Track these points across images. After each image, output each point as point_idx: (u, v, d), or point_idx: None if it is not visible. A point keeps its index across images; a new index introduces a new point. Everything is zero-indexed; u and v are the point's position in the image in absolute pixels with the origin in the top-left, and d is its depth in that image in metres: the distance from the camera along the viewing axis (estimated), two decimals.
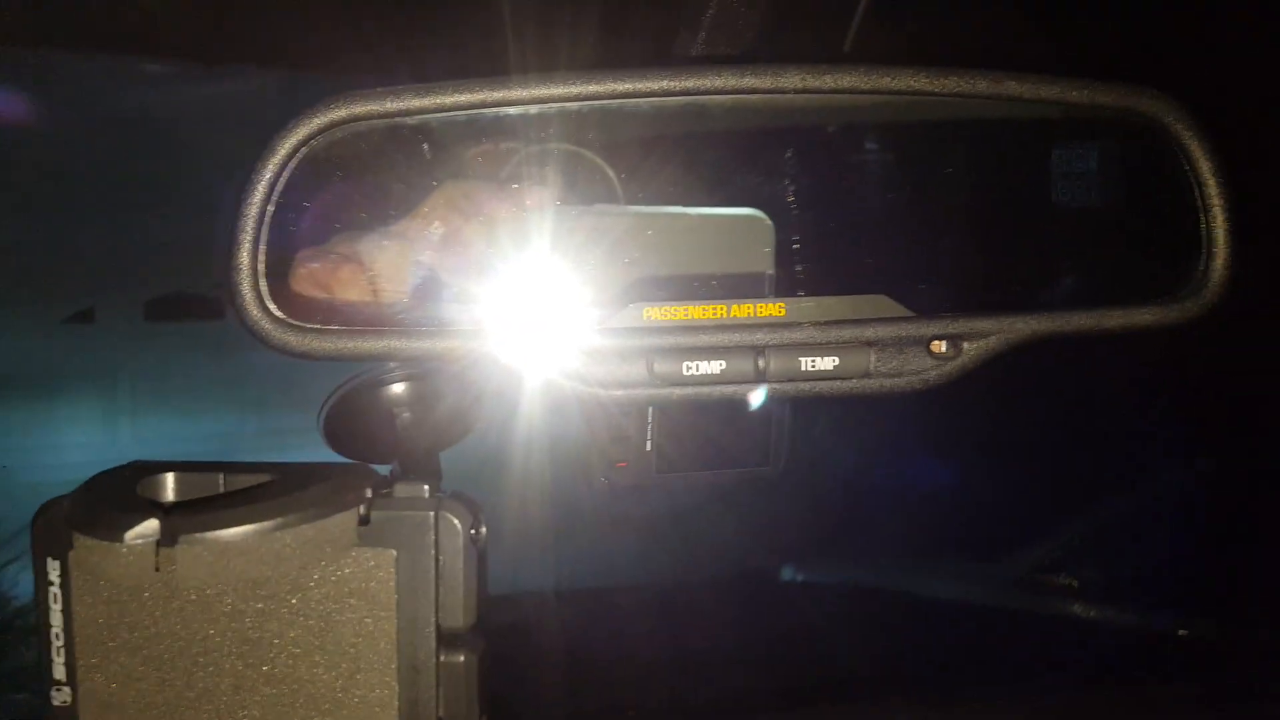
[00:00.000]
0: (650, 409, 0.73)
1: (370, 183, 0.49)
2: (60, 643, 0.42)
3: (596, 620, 1.75)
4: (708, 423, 0.77)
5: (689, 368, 0.50)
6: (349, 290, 0.48)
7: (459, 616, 0.43)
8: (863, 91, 0.50)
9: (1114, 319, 0.53)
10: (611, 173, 0.52)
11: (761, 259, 0.53)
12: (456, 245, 0.50)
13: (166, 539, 0.40)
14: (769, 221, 0.52)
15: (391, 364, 0.81)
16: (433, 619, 0.43)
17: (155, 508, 0.41)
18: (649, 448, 0.75)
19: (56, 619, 0.42)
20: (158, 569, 0.40)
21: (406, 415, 0.81)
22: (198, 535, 0.40)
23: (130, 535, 0.40)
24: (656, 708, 1.42)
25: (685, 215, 0.53)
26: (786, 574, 2.15)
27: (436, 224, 0.50)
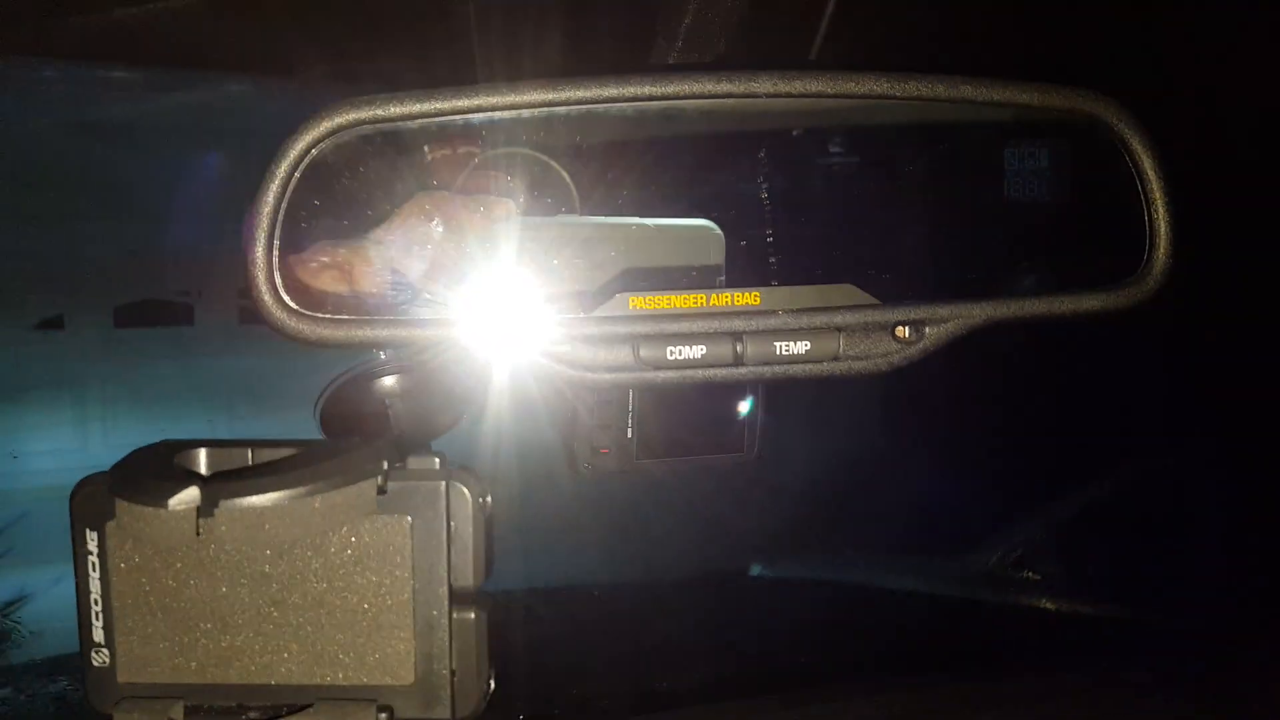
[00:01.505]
0: (631, 398, 0.77)
1: (372, 183, 0.52)
2: (98, 608, 0.45)
3: (564, 614, 1.78)
4: (686, 411, 0.81)
5: (672, 352, 0.54)
6: (356, 283, 0.51)
7: (469, 576, 0.47)
8: (829, 95, 0.54)
9: (1064, 305, 0.57)
10: (595, 177, 0.55)
11: (713, 267, 0.57)
12: (451, 242, 0.53)
13: (207, 505, 0.43)
14: (719, 231, 0.56)
15: (384, 357, 0.84)
16: (445, 579, 0.46)
17: (195, 477, 0.44)
18: (630, 435, 0.78)
19: (94, 586, 0.45)
20: (198, 533, 0.43)
21: (399, 405, 0.84)
22: (235, 501, 0.43)
23: (174, 502, 0.43)
24: (625, 698, 1.45)
25: (644, 225, 0.57)
26: (753, 570, 2.19)
27: (433, 222, 0.53)
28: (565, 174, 0.56)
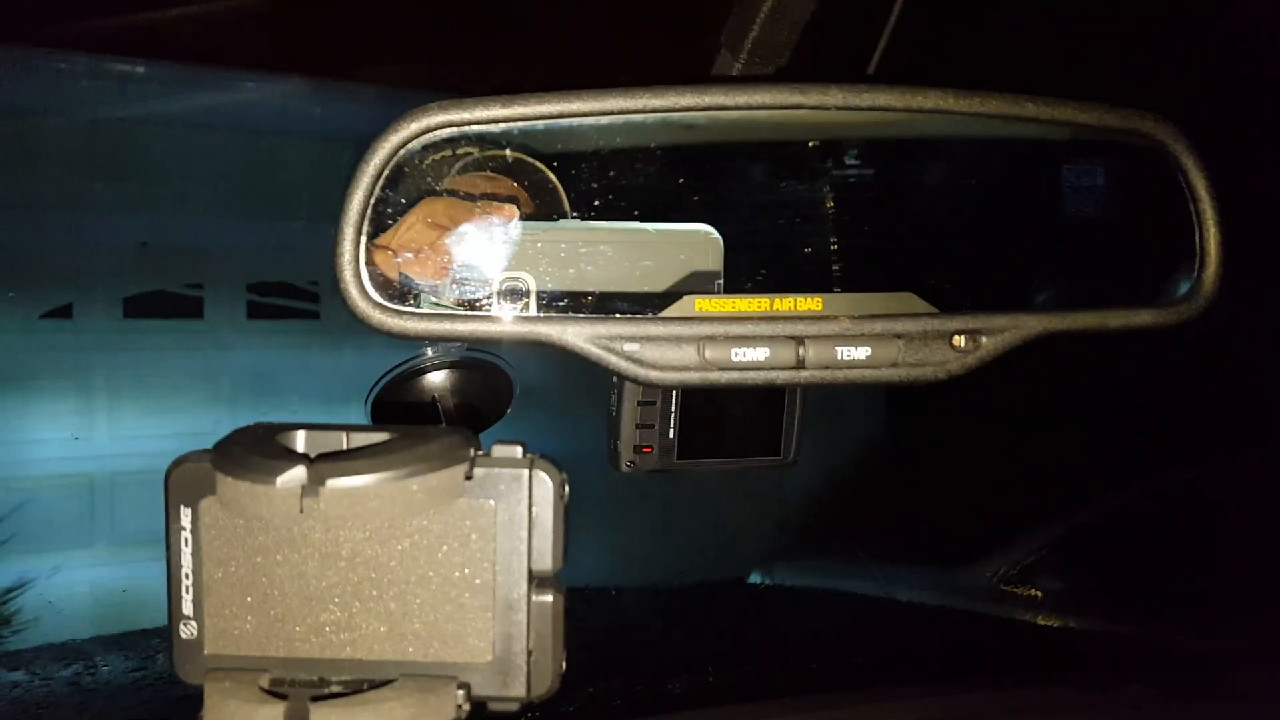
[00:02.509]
0: (675, 400, 0.78)
1: (456, 181, 0.53)
2: (188, 582, 0.47)
3: (574, 617, 1.79)
4: (727, 414, 0.83)
5: (737, 354, 0.55)
6: (438, 278, 0.53)
7: (548, 561, 0.48)
8: (896, 109, 0.56)
9: (1116, 319, 0.59)
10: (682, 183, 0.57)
11: (713, 268, 0.58)
12: (528, 243, 0.55)
13: (312, 484, 0.44)
14: (717, 235, 0.57)
15: (430, 353, 0.86)
16: (525, 563, 0.48)
17: (300, 457, 0.45)
18: (672, 436, 0.80)
19: (186, 560, 0.47)
20: (301, 510, 0.44)
21: (448, 400, 0.85)
22: (339, 481, 0.44)
23: (282, 480, 0.44)
24: (637, 698, 1.46)
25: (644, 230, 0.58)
26: (757, 578, 2.21)
27: (506, 221, 0.54)
28: (623, 180, 0.57)
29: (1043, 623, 2.05)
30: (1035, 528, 2.04)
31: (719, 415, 0.82)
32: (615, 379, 0.79)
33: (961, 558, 2.08)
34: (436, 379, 0.82)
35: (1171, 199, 0.59)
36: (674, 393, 0.79)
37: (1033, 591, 2.03)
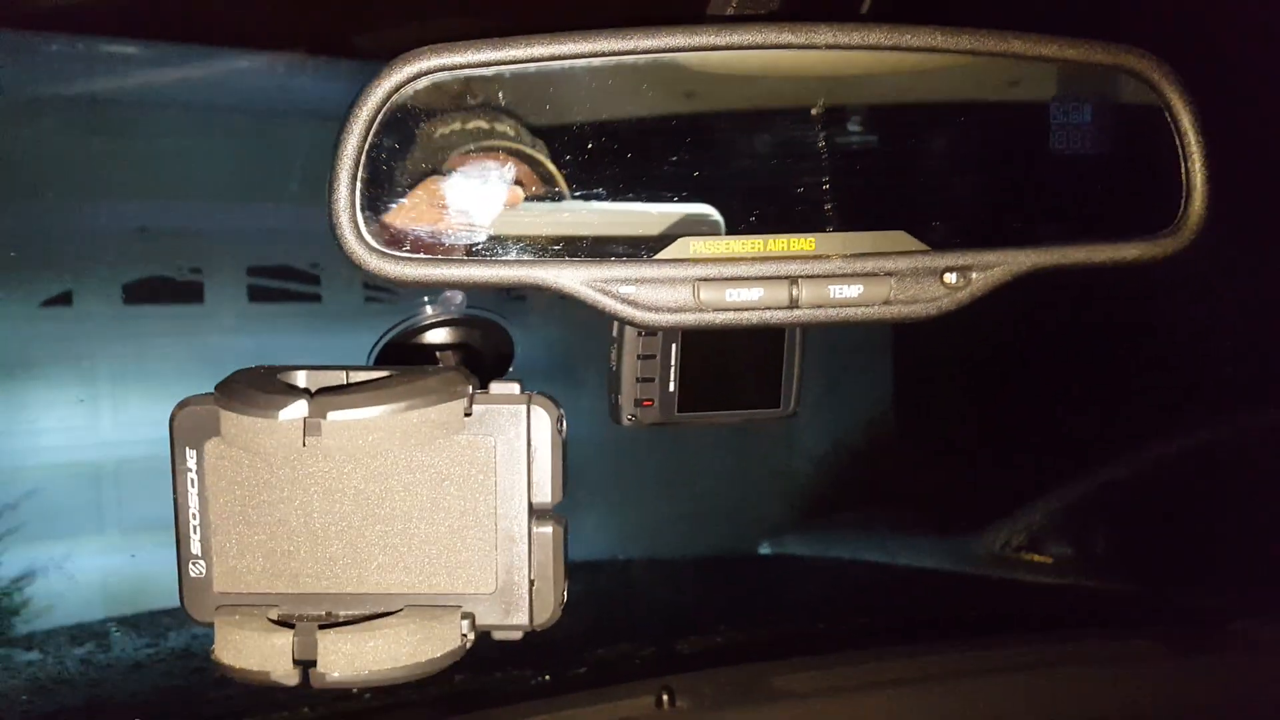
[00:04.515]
0: (675, 353, 0.79)
1: (451, 128, 0.54)
2: (196, 522, 0.48)
3: (584, 584, 1.81)
4: (727, 367, 0.84)
5: (731, 295, 0.56)
6: (433, 223, 0.53)
7: (548, 494, 0.50)
8: (885, 47, 0.56)
9: (1104, 253, 0.60)
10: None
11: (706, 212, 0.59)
12: (523, 186, 0.56)
13: (314, 416, 0.46)
14: (718, 216, 0.58)
15: (430, 311, 0.86)
16: (525, 496, 0.49)
17: (301, 392, 0.46)
18: (672, 389, 0.80)
19: (193, 501, 0.48)
20: (304, 444, 0.46)
21: (450, 357, 0.86)
22: (340, 413, 0.46)
23: (284, 413, 0.45)
24: (647, 660, 1.48)
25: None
26: (772, 549, 2.23)
27: (508, 166, 0.55)
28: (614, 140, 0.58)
29: (1051, 583, 2.07)
30: (1043, 495, 2.06)
31: (718, 368, 0.83)
32: (614, 333, 0.80)
33: (971, 526, 2.10)
34: (437, 336, 0.83)
35: (1157, 133, 0.59)
36: (673, 346, 0.80)
37: (1042, 557, 2.05)
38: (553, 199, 0.56)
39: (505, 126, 0.55)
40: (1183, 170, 0.60)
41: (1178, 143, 0.60)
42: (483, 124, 0.55)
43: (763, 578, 2.08)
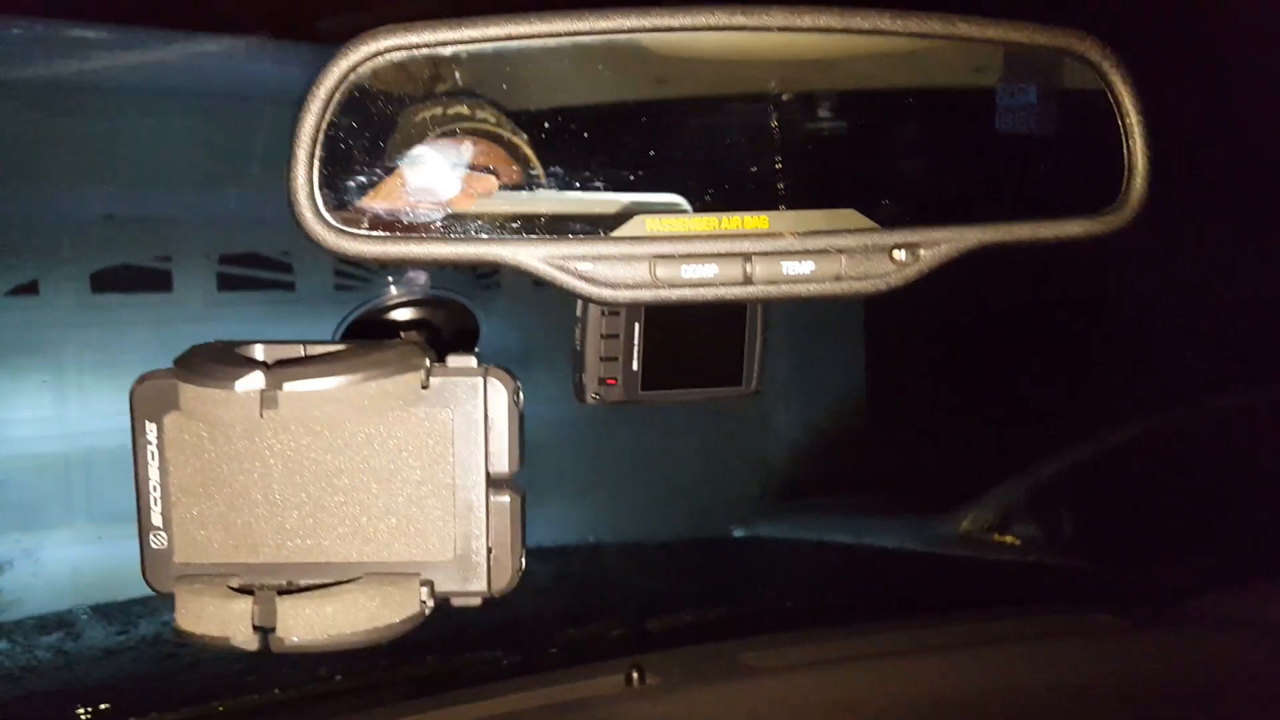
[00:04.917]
0: (638, 332, 0.80)
1: (410, 106, 0.55)
2: (156, 494, 0.49)
3: (555, 568, 1.83)
4: (690, 346, 0.85)
5: (687, 271, 0.58)
6: (392, 201, 0.54)
7: (505, 464, 0.51)
8: (836, 30, 0.58)
9: (1049, 230, 0.62)
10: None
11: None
12: (482, 165, 0.57)
13: (271, 387, 0.47)
14: (675, 194, 0.59)
15: (395, 292, 0.87)
16: (483, 466, 0.50)
17: (258, 364, 0.47)
18: (636, 368, 0.82)
19: (153, 473, 0.49)
20: (261, 415, 0.47)
21: (413, 334, 0.87)
22: (296, 384, 0.47)
23: (240, 384, 0.46)
24: (618, 640, 1.50)
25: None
26: (743, 532, 2.25)
27: (465, 145, 0.56)
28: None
29: (1016, 561, 2.11)
30: (1012, 478, 2.09)
31: (681, 347, 0.85)
32: (579, 312, 0.81)
33: (940, 508, 2.13)
34: (400, 317, 0.83)
35: (1100, 115, 0.61)
36: (636, 325, 0.81)
37: (1008, 538, 2.09)
38: (527, 182, 0.57)
39: (486, 113, 0.56)
40: (1125, 150, 0.62)
41: (1120, 124, 0.61)
42: (464, 109, 0.56)
43: (733, 559, 2.11)
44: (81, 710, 1.27)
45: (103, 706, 1.29)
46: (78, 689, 1.44)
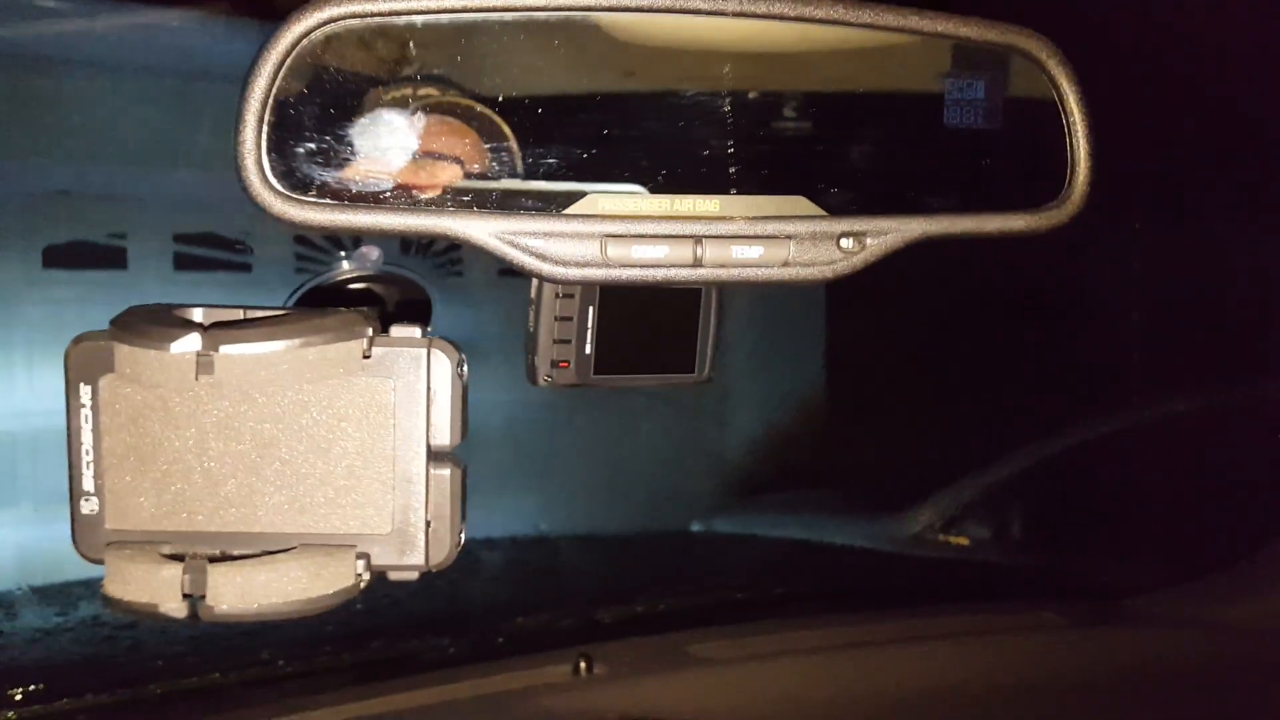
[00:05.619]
0: (592, 315, 0.81)
1: (362, 75, 0.55)
2: (89, 458, 0.48)
3: (506, 558, 1.83)
4: (643, 331, 0.85)
5: (637, 251, 0.58)
6: (341, 169, 0.54)
7: (446, 437, 0.51)
8: (790, 18, 0.58)
9: (992, 223, 0.63)
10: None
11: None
12: (433, 136, 0.56)
13: (207, 349, 0.46)
14: (629, 175, 0.59)
15: (347, 267, 0.86)
16: (424, 438, 0.50)
17: (196, 326, 0.47)
18: (589, 351, 0.82)
19: (86, 437, 0.48)
20: (197, 377, 0.46)
21: (363, 309, 0.86)
22: (233, 347, 0.46)
23: (176, 345, 0.46)
24: (568, 630, 1.50)
25: None
26: (696, 527, 2.26)
27: (418, 117, 0.56)
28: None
29: (963, 559, 2.14)
30: (963, 480, 2.13)
31: (635, 332, 0.85)
32: (533, 294, 0.81)
33: (892, 506, 2.16)
34: (352, 290, 0.83)
35: (1045, 112, 0.63)
36: (590, 308, 0.81)
37: (957, 538, 2.12)
38: (480, 157, 0.57)
39: (440, 87, 0.56)
40: (1068, 147, 0.63)
41: (1064, 121, 0.63)
42: (417, 82, 0.55)
43: (686, 551, 2.12)
44: (14, 690, 1.25)
45: (36, 687, 1.27)
46: (12, 669, 1.41)
